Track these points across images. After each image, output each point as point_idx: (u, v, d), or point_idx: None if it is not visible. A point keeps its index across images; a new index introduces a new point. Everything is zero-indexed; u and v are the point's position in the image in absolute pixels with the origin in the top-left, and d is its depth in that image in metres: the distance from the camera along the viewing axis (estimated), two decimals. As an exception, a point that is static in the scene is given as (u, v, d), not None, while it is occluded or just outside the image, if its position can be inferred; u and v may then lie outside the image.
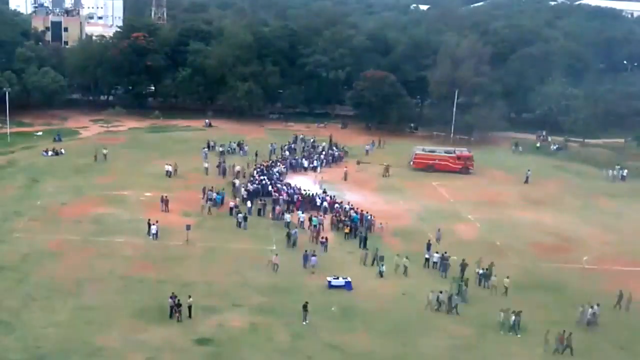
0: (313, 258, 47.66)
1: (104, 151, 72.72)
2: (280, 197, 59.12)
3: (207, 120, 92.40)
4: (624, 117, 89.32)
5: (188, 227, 51.36)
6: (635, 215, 62.72)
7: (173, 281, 43.94)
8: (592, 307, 41.65)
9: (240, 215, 55.10)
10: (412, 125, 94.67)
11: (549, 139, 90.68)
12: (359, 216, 55.60)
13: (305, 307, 39.98)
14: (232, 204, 57.64)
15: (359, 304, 42.88)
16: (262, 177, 64.23)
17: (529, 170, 72.70)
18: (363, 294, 44.35)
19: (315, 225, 53.47)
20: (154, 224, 51.39)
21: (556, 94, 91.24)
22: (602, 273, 49.51)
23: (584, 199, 66.48)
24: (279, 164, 71.19)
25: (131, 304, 41.25)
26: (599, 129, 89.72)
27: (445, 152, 75.60)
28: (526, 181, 71.66)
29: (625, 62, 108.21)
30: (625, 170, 75.37)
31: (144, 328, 38.76)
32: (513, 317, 40.15)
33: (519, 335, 39.77)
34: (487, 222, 58.39)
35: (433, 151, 76.06)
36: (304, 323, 39.73)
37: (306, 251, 48.28)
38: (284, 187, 62.19)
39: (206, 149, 75.50)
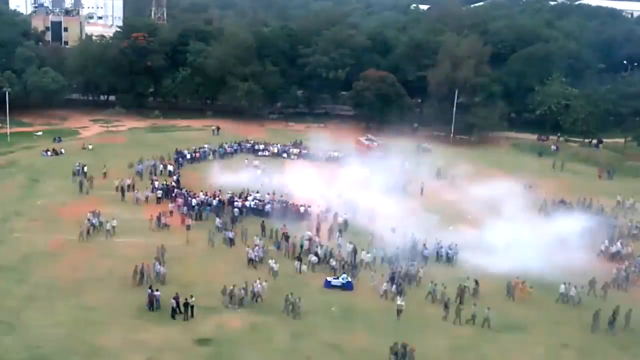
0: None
1: (89, 146, 76.69)
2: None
3: (214, 128, 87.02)
4: (624, 117, 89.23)
5: (188, 227, 51.38)
6: (635, 215, 62.66)
7: (173, 281, 43.96)
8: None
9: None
10: (414, 125, 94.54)
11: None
12: None
13: None
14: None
15: (359, 304, 42.90)
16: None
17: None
18: (363, 294, 44.37)
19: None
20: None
21: (556, 94, 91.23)
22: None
23: (584, 199, 66.30)
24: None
25: (131, 304, 41.27)
26: (599, 129, 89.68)
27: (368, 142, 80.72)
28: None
29: (625, 62, 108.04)
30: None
31: (144, 328, 38.79)
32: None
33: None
34: (487, 222, 58.27)
35: (372, 141, 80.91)
36: None
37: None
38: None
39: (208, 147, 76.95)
